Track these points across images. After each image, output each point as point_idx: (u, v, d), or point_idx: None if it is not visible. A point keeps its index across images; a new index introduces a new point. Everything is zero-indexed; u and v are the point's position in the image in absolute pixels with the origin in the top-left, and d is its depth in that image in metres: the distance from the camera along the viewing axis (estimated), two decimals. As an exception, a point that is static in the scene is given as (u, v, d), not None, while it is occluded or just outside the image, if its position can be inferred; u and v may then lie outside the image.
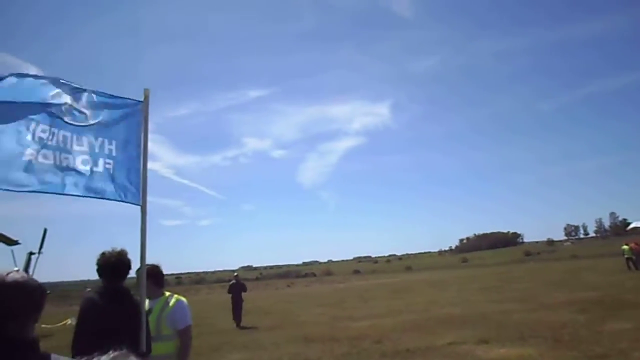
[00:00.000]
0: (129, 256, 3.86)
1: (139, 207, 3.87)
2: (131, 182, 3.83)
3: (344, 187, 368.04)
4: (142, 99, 4.06)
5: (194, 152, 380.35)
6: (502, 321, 12.85)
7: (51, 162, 3.40)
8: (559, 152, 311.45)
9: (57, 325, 20.47)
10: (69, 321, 21.92)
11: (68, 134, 3.54)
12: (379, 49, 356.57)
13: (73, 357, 3.42)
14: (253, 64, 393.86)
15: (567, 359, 8.01)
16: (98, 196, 3.67)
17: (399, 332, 12.60)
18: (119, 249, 3.84)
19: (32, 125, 3.38)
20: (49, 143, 3.42)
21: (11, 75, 3.49)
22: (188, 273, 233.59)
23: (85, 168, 3.58)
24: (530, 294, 20.25)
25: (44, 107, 3.48)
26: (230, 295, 19.10)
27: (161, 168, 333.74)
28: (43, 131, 3.41)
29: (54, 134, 3.46)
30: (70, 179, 3.50)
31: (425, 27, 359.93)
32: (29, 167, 3.32)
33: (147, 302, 4.06)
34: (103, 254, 3.80)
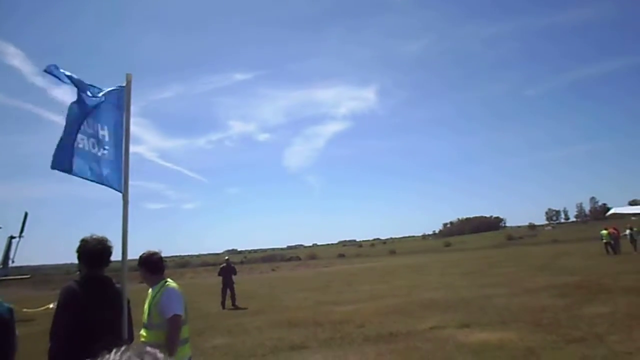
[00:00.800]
0: (110, 243, 3.79)
1: (119, 194, 3.85)
2: (116, 169, 3.82)
3: (329, 171, 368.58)
4: (124, 85, 4.00)
5: (178, 135, 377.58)
6: (484, 305, 13.04)
7: (83, 147, 3.55)
8: (543, 138, 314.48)
9: (38, 310, 20.29)
10: (50, 305, 21.74)
11: (82, 120, 3.61)
12: (366, 34, 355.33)
13: (51, 347, 3.39)
14: (239, 48, 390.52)
15: (546, 342, 8.16)
16: (104, 183, 3.71)
17: (382, 316, 12.72)
18: (100, 235, 3.76)
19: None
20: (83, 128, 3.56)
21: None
22: (172, 257, 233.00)
23: (97, 152, 3.66)
24: (511, 279, 20.56)
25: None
26: (220, 277, 19.65)
27: (145, 151, 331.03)
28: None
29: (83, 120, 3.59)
30: (88, 164, 3.61)
31: (411, 12, 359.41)
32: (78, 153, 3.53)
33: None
34: (84, 240, 3.71)
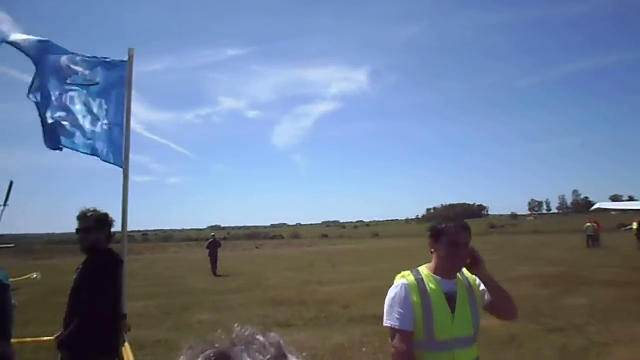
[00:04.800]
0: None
1: (121, 170, 3.85)
2: (116, 144, 3.80)
3: (316, 151, 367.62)
4: (126, 59, 3.96)
5: (166, 108, 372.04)
6: (467, 292, 13.24)
7: (68, 122, 3.48)
8: (532, 129, 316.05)
9: (21, 279, 20.20)
10: (34, 275, 21.67)
11: (75, 95, 3.55)
12: (361, 15, 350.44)
13: (83, 321, 3.39)
14: (232, 23, 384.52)
15: (527, 330, 8.35)
16: (101, 157, 3.69)
17: (366, 298, 12.87)
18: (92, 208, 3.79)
19: (52, 87, 3.55)
20: (64, 104, 3.49)
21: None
22: (155, 230, 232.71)
23: (91, 128, 3.62)
24: (494, 267, 20.59)
25: (53, 68, 3.48)
26: (208, 250, 23.77)
27: (133, 123, 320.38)
28: (60, 93, 3.47)
29: (66, 94, 3.51)
30: (80, 139, 3.55)
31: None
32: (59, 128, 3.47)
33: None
34: (106, 214, 3.81)
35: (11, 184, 23.88)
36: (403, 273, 2.60)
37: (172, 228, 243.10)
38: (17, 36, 3.45)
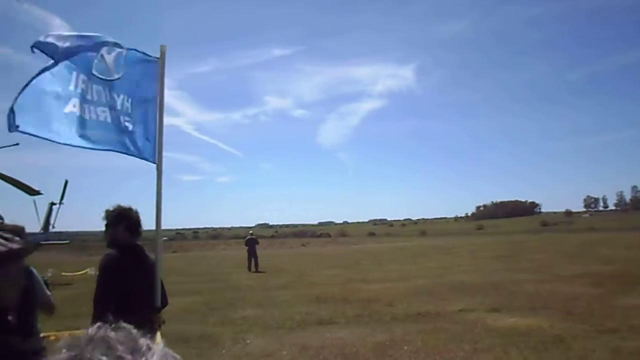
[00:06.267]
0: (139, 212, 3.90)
1: (154, 165, 3.91)
2: (148, 140, 3.85)
3: (363, 149, 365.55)
4: (158, 56, 4.02)
5: (215, 109, 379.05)
6: (514, 291, 12.89)
7: (88, 116, 3.50)
8: (586, 122, 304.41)
9: (76, 274, 21.04)
10: (88, 271, 22.54)
11: (100, 88, 3.58)
12: (407, 11, 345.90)
13: (95, 314, 3.51)
14: (278, 22, 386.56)
15: (577, 331, 8.03)
16: (122, 151, 3.72)
17: (410, 296, 12.73)
18: (126, 205, 3.86)
19: (74, 73, 3.45)
20: (88, 97, 3.49)
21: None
22: (205, 228, 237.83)
23: (111, 123, 3.63)
24: (544, 265, 20.22)
25: (83, 56, 3.50)
26: (246, 247, 24.30)
27: (182, 124, 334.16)
28: (83, 82, 3.47)
29: (91, 86, 3.52)
30: (100, 134, 3.57)
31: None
32: (70, 120, 3.41)
33: None
34: (124, 208, 3.87)
35: (66, 183, 24.66)
36: None
37: (222, 226, 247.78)
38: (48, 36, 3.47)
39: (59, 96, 3.34)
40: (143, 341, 0.68)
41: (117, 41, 3.74)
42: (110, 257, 3.72)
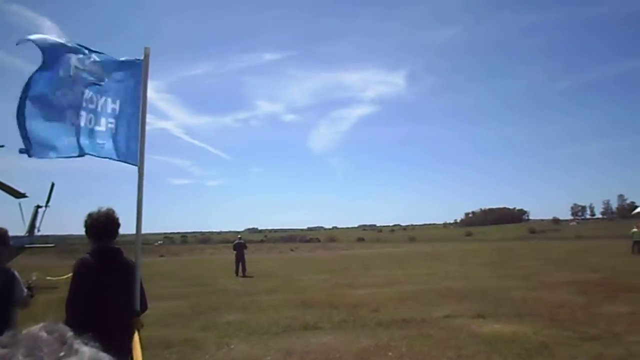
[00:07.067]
0: (116, 215, 3.81)
1: (137, 168, 3.87)
2: (131, 142, 3.82)
3: (353, 155, 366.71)
4: (142, 58, 3.99)
5: (205, 112, 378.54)
6: (500, 297, 12.93)
7: (82, 123, 3.53)
8: (576, 131, 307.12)
9: (62, 278, 20.74)
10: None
11: (88, 91, 3.57)
12: (399, 17, 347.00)
13: (67, 318, 3.47)
14: (270, 28, 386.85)
15: (561, 338, 8.05)
16: (101, 155, 3.69)
17: (397, 302, 12.72)
18: (105, 208, 3.79)
19: (62, 78, 3.45)
20: (76, 103, 3.49)
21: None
22: (194, 232, 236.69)
23: (89, 126, 3.59)
24: (531, 272, 20.31)
25: (67, 59, 3.47)
26: (234, 252, 24.16)
27: (172, 127, 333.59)
28: (71, 86, 3.47)
29: (80, 90, 3.52)
30: (77, 139, 3.54)
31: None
32: (66, 131, 3.47)
33: None
34: (90, 215, 3.74)
35: (52, 185, 24.39)
36: None
37: (211, 230, 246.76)
38: (36, 36, 3.47)
39: (52, 105, 3.36)
40: (72, 344, 0.67)
41: (100, 50, 3.75)
42: (83, 260, 3.66)
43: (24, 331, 0.68)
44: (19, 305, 4.05)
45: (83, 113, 3.52)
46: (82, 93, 3.51)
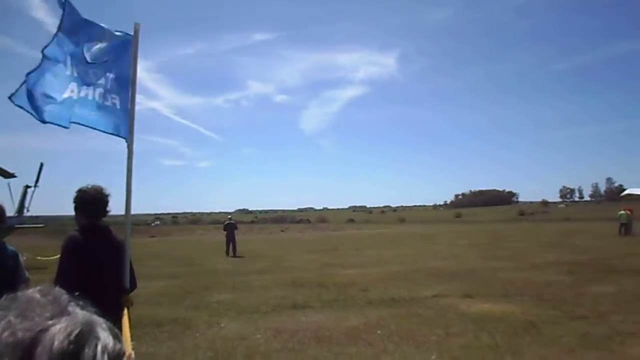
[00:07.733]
0: (107, 192, 3.76)
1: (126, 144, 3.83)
2: (121, 116, 3.80)
3: (344, 136, 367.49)
4: (132, 33, 3.93)
5: (196, 93, 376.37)
6: (489, 278, 13.06)
7: (83, 94, 3.52)
8: (566, 115, 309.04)
9: (52, 258, 20.65)
10: (62, 254, 22.22)
11: (93, 68, 3.59)
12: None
13: None
14: (260, 7, 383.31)
15: (548, 317, 8.16)
16: (89, 125, 3.67)
17: (386, 281, 12.81)
18: (97, 185, 3.74)
19: (69, 58, 3.54)
20: (78, 75, 3.52)
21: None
22: (184, 213, 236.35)
23: (100, 101, 3.63)
24: (519, 253, 20.50)
25: (74, 40, 3.51)
26: (225, 232, 24.33)
27: (162, 107, 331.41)
28: (78, 63, 3.53)
29: (85, 67, 3.56)
30: (86, 111, 3.58)
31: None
32: (69, 103, 3.50)
33: None
34: (81, 190, 3.69)
35: (41, 165, 24.21)
36: None
37: (201, 211, 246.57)
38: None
39: (57, 75, 3.45)
40: (66, 306, 0.67)
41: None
42: (72, 237, 3.62)
43: (19, 293, 0.69)
44: (23, 287, 4.02)
45: (76, 83, 3.52)
46: (82, 61, 3.53)
